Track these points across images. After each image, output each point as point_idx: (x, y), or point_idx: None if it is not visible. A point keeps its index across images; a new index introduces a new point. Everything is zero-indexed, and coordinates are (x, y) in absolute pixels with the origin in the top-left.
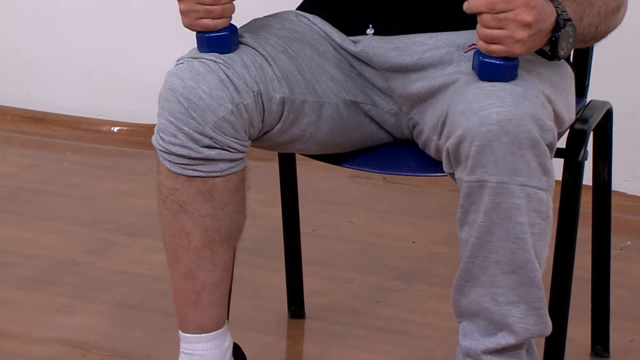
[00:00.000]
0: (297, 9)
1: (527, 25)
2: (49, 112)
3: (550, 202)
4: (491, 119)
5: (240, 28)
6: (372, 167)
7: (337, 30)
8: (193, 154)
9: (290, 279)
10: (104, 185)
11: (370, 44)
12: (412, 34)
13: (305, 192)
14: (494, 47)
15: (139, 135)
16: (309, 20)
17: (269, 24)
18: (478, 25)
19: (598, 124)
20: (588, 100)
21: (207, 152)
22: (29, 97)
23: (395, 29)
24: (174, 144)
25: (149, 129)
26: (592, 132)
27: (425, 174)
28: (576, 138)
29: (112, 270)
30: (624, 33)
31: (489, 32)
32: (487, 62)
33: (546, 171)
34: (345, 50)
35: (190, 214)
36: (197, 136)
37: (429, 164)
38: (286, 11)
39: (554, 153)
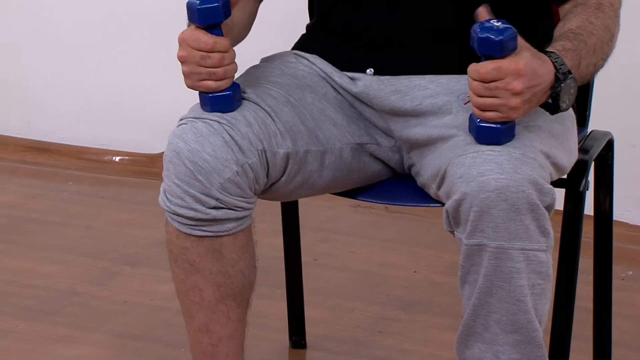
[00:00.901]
0: (295, 45)
1: (518, 94)
2: (51, 142)
3: (550, 261)
4: (489, 185)
5: (240, 77)
6: (374, 198)
7: (337, 70)
8: (200, 216)
9: (292, 308)
10: (106, 215)
11: (370, 85)
12: (412, 75)
13: (306, 222)
14: (489, 114)
15: (141, 165)
16: (308, 61)
17: (269, 71)
18: (471, 93)
19: (599, 154)
20: (589, 130)
21: (214, 213)
22: (31, 127)
23: (395, 69)
24: (181, 207)
25: (151, 159)
26: (593, 162)
27: (427, 205)
28: (577, 168)
29: (113, 301)
30: (624, 63)
31: (482, 100)
32: (483, 126)
33: (545, 232)
34: (345, 90)
35: (202, 272)
36: (204, 198)
37: (430, 196)
38: (285, 53)
39: (552, 212)
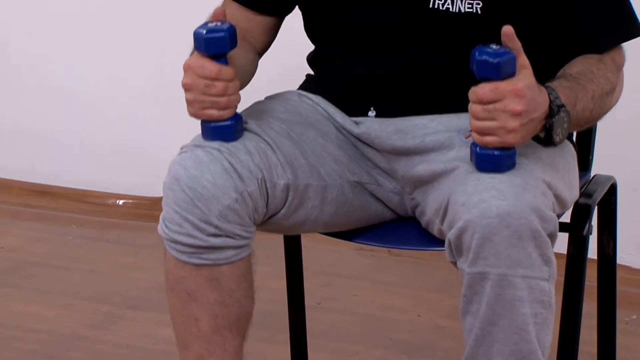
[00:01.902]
0: (300, 87)
1: (517, 115)
2: (54, 186)
3: (552, 291)
4: (491, 211)
5: (243, 111)
6: (376, 242)
7: (339, 111)
8: (199, 243)
9: (295, 352)
10: (109, 258)
11: (372, 126)
12: (413, 116)
13: (309, 265)
14: (488, 138)
15: (144, 208)
16: (312, 100)
17: (272, 107)
18: (470, 117)
19: (602, 199)
20: (592, 174)
21: (213, 241)
22: (34, 170)
23: (396, 111)
24: (179, 233)
25: (154, 202)
26: (596, 207)
27: (430, 249)
28: (580, 213)
29: (116, 344)
30: (627, 107)
31: (480, 124)
32: (483, 153)
33: (548, 261)
34: (347, 131)
35: (199, 301)
36: (203, 225)
37: (433, 239)
38: (289, 91)
39: (555, 241)
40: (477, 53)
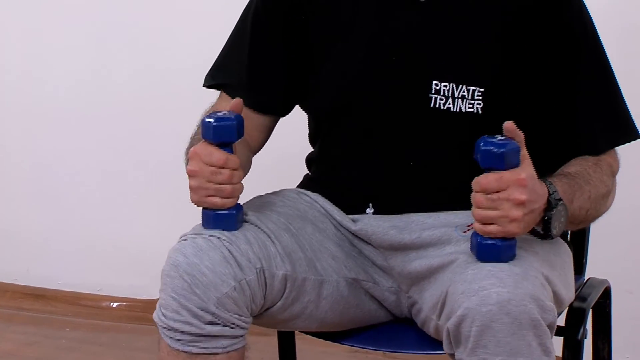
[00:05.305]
0: (298, 186)
1: (520, 204)
2: (49, 289)
3: None
4: (491, 299)
5: (242, 204)
6: (371, 345)
7: (337, 208)
8: (195, 330)
9: None
10: None
11: (369, 222)
12: (411, 213)
13: None
14: (490, 227)
15: (138, 311)
16: (310, 198)
17: (271, 201)
18: (473, 207)
19: (597, 302)
20: (586, 278)
21: (209, 329)
22: (29, 273)
23: (394, 208)
24: (176, 321)
25: (148, 304)
26: (591, 310)
27: (425, 352)
28: (575, 316)
29: None
30: (621, 210)
31: (483, 213)
32: (484, 243)
33: (547, 351)
34: (345, 228)
35: None
36: (200, 312)
37: (428, 342)
38: (287, 189)
39: (554, 333)
40: (481, 143)
